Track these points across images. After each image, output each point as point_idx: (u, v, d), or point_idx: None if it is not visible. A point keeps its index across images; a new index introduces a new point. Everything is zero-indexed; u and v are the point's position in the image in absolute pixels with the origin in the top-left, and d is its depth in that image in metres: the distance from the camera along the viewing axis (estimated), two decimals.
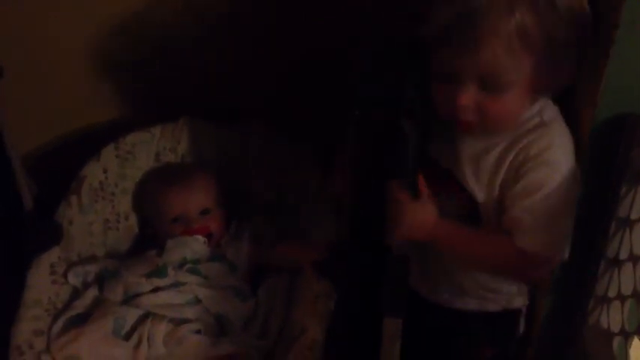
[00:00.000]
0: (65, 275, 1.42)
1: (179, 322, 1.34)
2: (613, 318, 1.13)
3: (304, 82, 1.55)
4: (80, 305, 1.40)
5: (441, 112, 1.08)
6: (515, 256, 1.05)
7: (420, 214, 1.08)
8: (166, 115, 1.55)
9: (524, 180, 1.05)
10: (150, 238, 1.52)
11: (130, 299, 1.38)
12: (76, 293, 1.42)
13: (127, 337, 1.33)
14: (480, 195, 1.11)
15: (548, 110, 1.09)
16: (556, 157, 1.05)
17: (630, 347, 1.08)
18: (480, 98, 1.02)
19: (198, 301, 1.37)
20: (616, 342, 1.12)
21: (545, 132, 1.06)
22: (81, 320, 1.36)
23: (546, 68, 1.02)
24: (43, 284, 1.38)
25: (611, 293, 1.14)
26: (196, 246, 1.44)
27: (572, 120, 1.10)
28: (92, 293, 1.41)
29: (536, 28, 0.98)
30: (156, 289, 1.38)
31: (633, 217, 1.10)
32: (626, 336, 1.09)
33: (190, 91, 1.58)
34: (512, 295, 1.21)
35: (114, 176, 1.52)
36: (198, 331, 1.33)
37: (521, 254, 1.04)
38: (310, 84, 1.55)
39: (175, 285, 1.39)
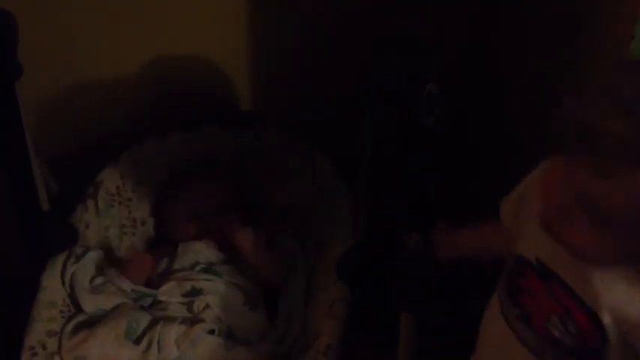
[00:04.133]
0: None
1: (192, 323, 1.32)
2: None
3: (318, 85, 1.57)
4: None
5: None
6: None
7: None
8: (184, 122, 1.56)
9: None
10: (163, 240, 1.52)
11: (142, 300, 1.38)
12: None
13: (138, 341, 1.30)
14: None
15: None
16: None
17: None
18: None
19: (208, 306, 1.36)
20: None
21: None
22: (94, 322, 1.34)
23: None
24: (58, 286, 1.37)
25: None
26: (207, 251, 1.44)
27: None
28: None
29: None
30: None
31: None
32: None
33: (208, 98, 1.60)
34: None
35: (131, 182, 1.53)
36: (212, 331, 1.31)
37: None
38: (325, 86, 1.57)
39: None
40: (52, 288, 1.35)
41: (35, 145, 1.38)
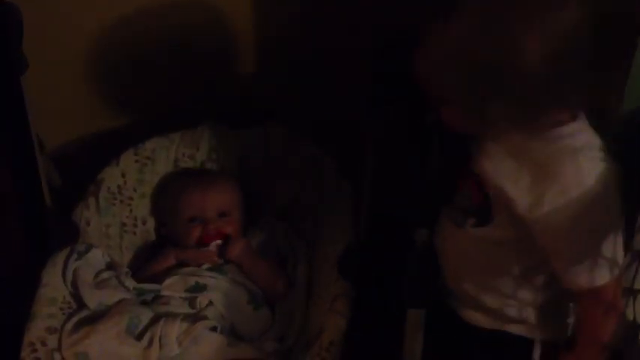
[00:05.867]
0: None
1: (194, 320, 1.32)
2: (639, 310, 1.11)
3: (319, 85, 1.58)
4: None
5: None
6: None
7: None
8: (185, 121, 1.57)
9: None
10: (164, 240, 1.53)
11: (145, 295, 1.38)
12: None
13: (139, 337, 1.30)
14: None
15: None
16: None
17: None
18: None
19: (211, 303, 1.36)
20: None
21: None
22: (95, 318, 1.34)
23: None
24: (59, 283, 1.36)
25: (638, 285, 1.13)
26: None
27: (597, 113, 1.09)
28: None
29: None
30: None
31: None
32: None
33: (209, 97, 1.60)
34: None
35: (132, 181, 1.53)
36: (215, 328, 1.31)
37: None
38: (328, 84, 1.58)
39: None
40: (52, 284, 1.35)
41: (39, 139, 1.39)
